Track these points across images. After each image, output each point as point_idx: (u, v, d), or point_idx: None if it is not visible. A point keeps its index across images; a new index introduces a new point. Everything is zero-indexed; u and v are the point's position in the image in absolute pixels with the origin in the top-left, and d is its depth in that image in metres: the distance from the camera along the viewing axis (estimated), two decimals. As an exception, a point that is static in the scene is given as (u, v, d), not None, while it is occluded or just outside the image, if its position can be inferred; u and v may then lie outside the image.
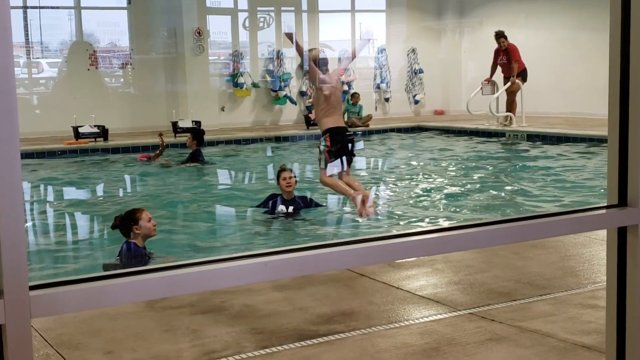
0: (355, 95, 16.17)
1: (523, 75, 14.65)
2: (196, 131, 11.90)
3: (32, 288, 1.59)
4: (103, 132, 13.32)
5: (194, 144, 11.42)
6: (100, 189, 9.90)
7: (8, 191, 1.52)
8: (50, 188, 10.05)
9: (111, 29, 16.02)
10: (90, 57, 14.94)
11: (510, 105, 14.67)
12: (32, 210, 8.32)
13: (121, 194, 9.72)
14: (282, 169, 7.47)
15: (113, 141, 13.32)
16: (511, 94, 14.60)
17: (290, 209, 7.34)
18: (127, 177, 10.83)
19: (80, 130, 13.20)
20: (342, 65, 6.90)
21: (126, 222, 5.44)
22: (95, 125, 13.33)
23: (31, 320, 1.58)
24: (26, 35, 14.66)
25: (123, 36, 15.72)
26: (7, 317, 1.54)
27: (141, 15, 15.50)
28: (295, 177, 7.44)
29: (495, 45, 14.78)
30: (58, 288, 1.63)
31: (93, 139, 13.23)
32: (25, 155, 11.71)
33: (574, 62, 15.92)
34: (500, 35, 14.58)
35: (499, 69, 14.82)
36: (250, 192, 9.43)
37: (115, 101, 15.22)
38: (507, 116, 14.68)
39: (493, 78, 14.85)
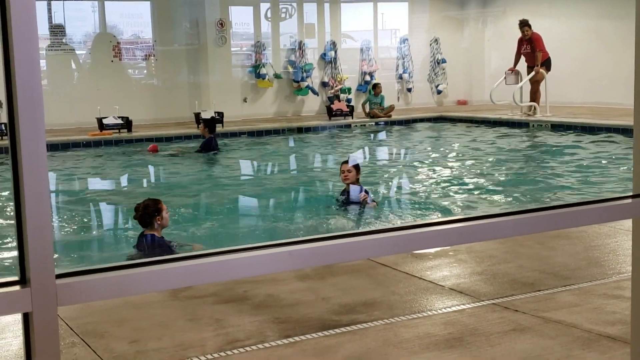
0: (377, 86, 16.13)
1: (547, 64, 14.51)
2: (209, 119, 12.04)
3: (59, 276, 1.61)
4: (127, 124, 13.41)
5: (206, 131, 11.65)
6: (124, 180, 9.98)
7: (34, 181, 1.54)
8: (75, 178, 10.15)
9: (134, 20, 16.10)
10: (114, 49, 15.04)
11: (535, 95, 14.54)
12: (57, 200, 8.41)
13: (145, 184, 9.79)
14: (343, 162, 7.51)
15: (137, 132, 13.40)
16: (535, 83, 14.47)
17: (344, 197, 7.36)
18: (151, 168, 10.91)
19: (105, 121, 13.31)
20: None
21: (151, 212, 5.48)
22: (119, 117, 13.43)
23: (57, 309, 1.60)
24: (50, 27, 14.77)
25: (146, 28, 15.79)
26: (34, 305, 1.56)
27: (164, 7, 15.56)
28: (351, 170, 7.27)
29: (519, 35, 14.65)
30: (84, 276, 1.65)
31: (117, 130, 13.32)
32: (51, 146, 11.83)
33: (597, 51, 15.75)
34: (524, 24, 14.44)
35: (522, 58, 14.69)
36: (273, 182, 9.45)
37: (139, 92, 15.31)
38: (531, 106, 14.56)
39: (517, 68, 14.73)
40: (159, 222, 5.47)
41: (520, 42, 14.59)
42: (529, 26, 14.42)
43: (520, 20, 14.55)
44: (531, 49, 14.40)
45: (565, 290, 4.33)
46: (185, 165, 11.07)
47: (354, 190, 7.29)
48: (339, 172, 7.58)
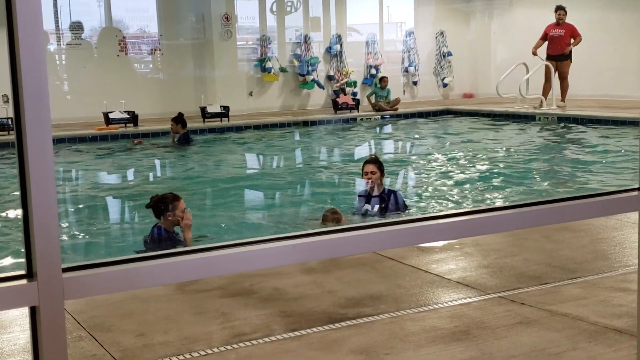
0: (383, 79, 16.12)
1: (570, 56, 14.36)
2: (177, 116, 11.97)
3: (65, 270, 1.62)
4: (133, 118, 13.43)
5: (179, 127, 11.70)
6: (130, 174, 10.00)
7: (41, 176, 1.55)
8: (81, 173, 10.17)
9: (140, 14, 16.11)
10: (119, 43, 15.05)
11: (564, 85, 14.36)
12: (63, 194, 8.43)
13: (151, 178, 9.81)
14: (366, 161, 6.56)
15: (143, 126, 13.42)
16: (563, 73, 14.28)
17: (375, 208, 6.38)
18: (157, 162, 10.93)
19: (111, 115, 13.33)
20: None
21: (162, 206, 5.48)
22: (125, 111, 13.45)
23: (64, 303, 1.61)
24: (56, 22, 14.80)
25: (152, 22, 15.80)
26: (41, 299, 1.57)
27: (169, 1, 15.56)
28: (375, 172, 6.36)
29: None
30: (91, 270, 1.66)
31: (123, 125, 13.34)
32: (57, 140, 11.86)
33: (604, 43, 15.65)
34: (560, 8, 14.23)
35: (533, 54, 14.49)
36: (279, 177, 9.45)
37: (145, 87, 15.32)
38: (540, 99, 14.48)
39: (522, 61, 14.61)
40: (169, 218, 5.46)
41: (549, 27, 14.37)
42: (565, 11, 14.22)
43: (557, 5, 14.34)
44: (565, 34, 14.15)
45: (571, 283, 4.33)
46: (175, 157, 11.12)
47: (390, 198, 6.45)
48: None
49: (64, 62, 15.14)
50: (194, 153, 11.59)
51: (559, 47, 14.24)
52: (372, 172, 6.36)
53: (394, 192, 6.59)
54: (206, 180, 9.44)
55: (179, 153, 11.55)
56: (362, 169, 6.53)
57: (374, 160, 6.53)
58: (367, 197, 6.48)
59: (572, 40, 14.17)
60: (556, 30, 14.26)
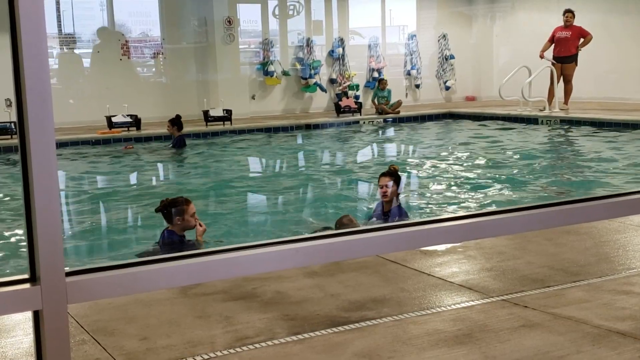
0: (382, 81, 16.13)
1: (575, 59, 14.33)
2: (174, 118, 11.95)
3: (69, 274, 1.62)
4: (136, 122, 13.45)
5: (175, 129, 11.69)
6: (133, 178, 10.01)
7: (44, 180, 1.55)
8: (84, 177, 10.18)
9: (142, 19, 16.13)
10: (122, 47, 15.07)
11: (567, 86, 14.35)
12: (67, 198, 8.44)
13: (154, 182, 9.82)
14: (382, 173, 6.29)
15: (146, 130, 13.43)
16: (567, 76, 14.26)
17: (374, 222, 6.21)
18: (159, 166, 10.94)
19: (114, 119, 13.34)
20: None
21: (171, 210, 5.47)
22: (128, 115, 13.47)
23: (67, 307, 1.61)
24: (59, 26, 14.83)
25: (154, 26, 15.82)
26: (44, 303, 1.57)
27: (172, 5, 15.58)
28: (390, 186, 6.10)
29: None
30: (94, 274, 1.66)
31: (126, 129, 13.35)
32: (60, 144, 11.87)
33: (606, 46, 15.65)
34: (569, 11, 14.21)
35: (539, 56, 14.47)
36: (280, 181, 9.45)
37: (148, 90, 15.34)
38: (543, 101, 14.47)
39: (525, 64, 14.61)
40: (178, 222, 5.45)
41: (556, 29, 14.36)
42: (573, 14, 14.20)
43: (566, 9, 14.33)
44: (571, 37, 14.14)
45: (574, 286, 4.32)
46: (173, 161, 11.14)
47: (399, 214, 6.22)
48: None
49: (66, 66, 15.14)
50: (194, 157, 11.59)
51: (565, 49, 14.22)
52: (386, 185, 6.17)
53: (405, 214, 6.33)
54: (208, 183, 9.45)
55: (176, 157, 11.56)
56: (378, 182, 6.32)
57: (388, 173, 6.27)
58: (383, 212, 6.34)
59: (582, 40, 14.14)
60: (563, 33, 14.23)
